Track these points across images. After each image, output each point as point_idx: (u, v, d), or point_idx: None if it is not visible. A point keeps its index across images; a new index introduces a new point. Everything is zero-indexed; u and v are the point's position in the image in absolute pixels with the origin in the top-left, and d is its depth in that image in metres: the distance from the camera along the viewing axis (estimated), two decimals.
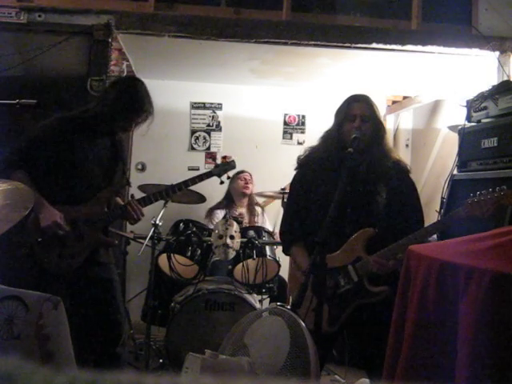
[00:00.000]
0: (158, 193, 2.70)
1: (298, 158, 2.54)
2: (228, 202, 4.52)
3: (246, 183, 4.53)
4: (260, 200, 4.74)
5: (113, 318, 2.59)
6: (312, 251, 2.04)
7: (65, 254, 2.45)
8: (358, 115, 2.35)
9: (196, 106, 5.30)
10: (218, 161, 5.21)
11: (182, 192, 3.71)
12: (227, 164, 2.96)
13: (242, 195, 4.54)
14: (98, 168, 2.57)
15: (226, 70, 4.59)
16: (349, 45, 3.59)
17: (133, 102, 2.49)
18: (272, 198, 4.63)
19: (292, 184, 2.60)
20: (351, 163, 2.20)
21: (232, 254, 3.29)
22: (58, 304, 1.57)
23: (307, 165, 2.49)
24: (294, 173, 2.57)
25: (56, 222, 2.38)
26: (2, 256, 2.49)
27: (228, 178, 3.99)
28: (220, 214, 4.32)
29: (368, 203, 2.34)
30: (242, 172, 4.53)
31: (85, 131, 2.53)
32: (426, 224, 2.35)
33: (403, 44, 3.58)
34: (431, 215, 3.03)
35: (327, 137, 2.44)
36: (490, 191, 2.08)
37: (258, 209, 4.61)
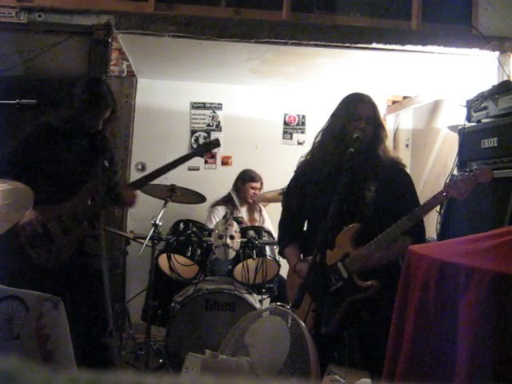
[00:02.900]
0: (149, 174, 2.91)
1: (303, 159, 2.53)
2: (230, 200, 4.49)
3: (255, 193, 4.51)
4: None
5: (99, 307, 2.71)
6: (307, 252, 2.04)
7: (53, 248, 2.57)
8: (363, 116, 2.35)
9: (196, 106, 5.30)
10: (219, 161, 5.25)
11: (182, 192, 3.74)
12: (210, 143, 2.93)
13: (246, 201, 4.52)
14: (78, 167, 2.69)
15: (226, 69, 4.59)
16: (349, 45, 3.59)
17: (93, 99, 2.63)
18: (274, 200, 4.58)
19: (288, 187, 2.61)
20: (352, 163, 2.20)
21: (232, 254, 3.30)
22: (58, 304, 1.57)
23: (305, 166, 2.49)
24: (292, 175, 2.57)
25: (30, 221, 2.49)
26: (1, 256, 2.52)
27: (237, 182, 4.04)
28: (221, 210, 4.30)
29: (361, 201, 2.34)
30: (255, 180, 4.48)
31: (60, 133, 2.66)
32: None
33: (403, 44, 3.57)
34: (431, 215, 3.03)
35: (331, 135, 2.43)
36: (467, 171, 2.10)
37: (258, 207, 4.60)
